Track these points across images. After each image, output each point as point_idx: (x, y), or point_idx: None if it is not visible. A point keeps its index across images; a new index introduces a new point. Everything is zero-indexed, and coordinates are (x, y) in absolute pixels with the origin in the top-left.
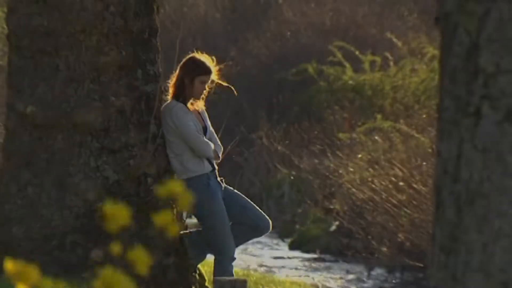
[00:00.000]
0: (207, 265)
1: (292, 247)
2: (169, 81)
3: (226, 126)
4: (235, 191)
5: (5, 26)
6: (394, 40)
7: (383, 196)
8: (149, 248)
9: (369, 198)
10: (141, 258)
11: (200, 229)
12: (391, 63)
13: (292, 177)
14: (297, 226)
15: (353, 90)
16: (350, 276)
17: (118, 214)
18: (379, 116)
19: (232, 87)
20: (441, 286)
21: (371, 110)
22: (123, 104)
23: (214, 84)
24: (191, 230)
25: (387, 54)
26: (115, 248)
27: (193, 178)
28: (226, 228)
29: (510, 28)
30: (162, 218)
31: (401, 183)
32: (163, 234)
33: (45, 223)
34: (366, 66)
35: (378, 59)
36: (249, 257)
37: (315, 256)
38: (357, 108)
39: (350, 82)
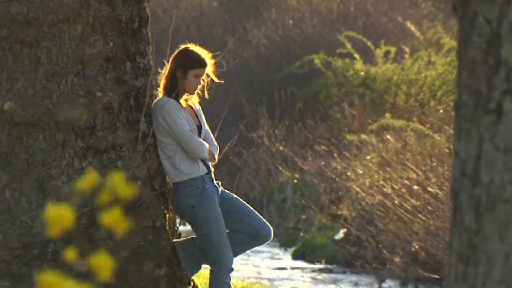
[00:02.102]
0: (202, 277)
1: (295, 257)
2: (161, 75)
3: (223, 124)
4: (233, 195)
5: None
6: (410, 28)
7: (395, 201)
8: (139, 257)
9: (379, 203)
10: (104, 264)
11: (195, 237)
12: (406, 55)
13: (295, 180)
14: (301, 234)
15: (363, 84)
16: None
17: (62, 216)
18: (391, 114)
19: (222, 81)
20: None
21: (383, 107)
22: (111, 100)
23: (209, 79)
24: (184, 238)
25: (403, 46)
26: (70, 253)
27: (187, 182)
28: (223, 236)
29: None
30: (109, 216)
31: (415, 187)
32: (154, 243)
33: (25, 231)
34: (378, 58)
35: (391, 49)
36: (248, 268)
37: (320, 266)
38: (368, 105)
39: (360, 75)
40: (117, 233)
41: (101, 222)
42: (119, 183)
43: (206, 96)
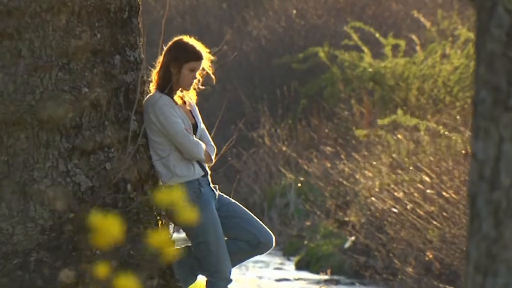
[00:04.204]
0: None
1: (299, 266)
2: (153, 69)
3: (220, 123)
4: (232, 200)
5: None
6: (421, 19)
7: (408, 207)
8: (129, 268)
9: (390, 208)
10: (128, 285)
11: (190, 245)
12: (418, 48)
13: (299, 184)
14: (305, 242)
15: (372, 79)
16: None
17: (108, 227)
18: (402, 111)
19: (214, 78)
20: None
21: (394, 104)
22: (98, 96)
23: (205, 73)
24: (179, 246)
25: (413, 37)
26: (102, 269)
27: (182, 185)
28: (221, 245)
29: None
30: (158, 239)
31: (428, 191)
32: (146, 252)
33: (5, 239)
34: (388, 51)
35: (401, 42)
36: (248, 279)
37: (326, 277)
38: (377, 102)
39: (369, 70)
40: (163, 257)
41: (150, 240)
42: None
43: (214, 80)
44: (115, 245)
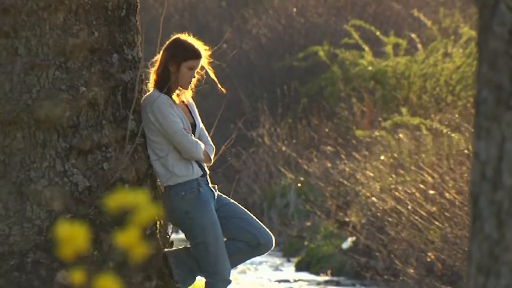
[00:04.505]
0: None
1: (299, 267)
2: (151, 67)
3: (219, 122)
4: (231, 200)
5: None
6: (422, 18)
7: (409, 207)
8: (127, 269)
9: (392, 209)
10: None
11: (189, 246)
12: (419, 46)
13: (299, 184)
14: (305, 243)
15: (373, 78)
16: None
17: (74, 236)
18: (404, 110)
19: (217, 81)
20: None
21: (395, 103)
22: (96, 95)
23: (204, 72)
24: (177, 247)
25: (414, 35)
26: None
27: (180, 185)
28: (220, 245)
29: None
30: (126, 237)
31: (430, 191)
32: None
33: (2, 239)
34: (389, 49)
35: (403, 41)
36: (248, 280)
37: (326, 278)
38: (378, 101)
39: (370, 68)
40: (132, 257)
41: (117, 241)
42: (144, 204)
43: (223, 91)
44: (81, 253)
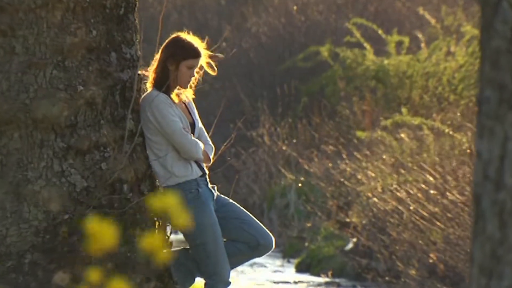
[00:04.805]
0: None
1: (299, 269)
2: (149, 66)
3: (218, 122)
4: (230, 201)
5: None
6: (427, 16)
7: (411, 208)
8: (125, 270)
9: (393, 209)
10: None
11: (188, 247)
12: (422, 45)
13: (299, 184)
14: (306, 244)
15: (374, 77)
16: None
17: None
18: (406, 110)
19: (215, 74)
20: None
21: (397, 102)
22: (94, 94)
23: (203, 71)
24: (176, 248)
25: (419, 34)
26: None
27: (179, 185)
28: (219, 246)
29: None
30: (149, 242)
31: (432, 192)
32: (140, 255)
33: None
34: (391, 48)
35: (405, 39)
36: (247, 282)
37: (327, 280)
38: (380, 100)
39: (371, 67)
40: (155, 261)
41: (141, 244)
42: (178, 209)
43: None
44: (109, 250)
